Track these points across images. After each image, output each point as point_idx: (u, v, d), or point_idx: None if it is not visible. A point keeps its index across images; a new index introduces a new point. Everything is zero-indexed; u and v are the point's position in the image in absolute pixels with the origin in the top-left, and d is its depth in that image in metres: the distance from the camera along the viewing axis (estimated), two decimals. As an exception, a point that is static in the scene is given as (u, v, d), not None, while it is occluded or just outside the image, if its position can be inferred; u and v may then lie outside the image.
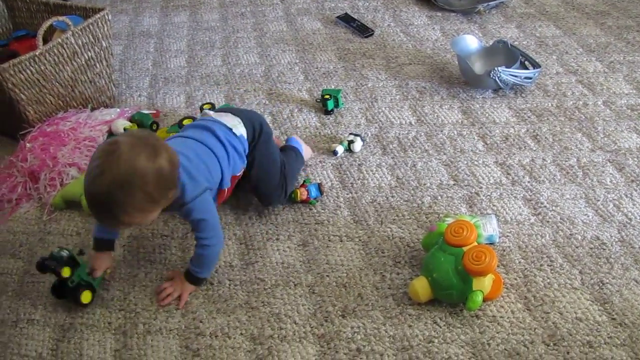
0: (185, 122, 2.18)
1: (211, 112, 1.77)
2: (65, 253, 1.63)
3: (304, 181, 1.91)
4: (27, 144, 2.20)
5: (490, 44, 2.49)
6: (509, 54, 2.35)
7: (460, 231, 1.54)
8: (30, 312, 1.71)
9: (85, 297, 1.67)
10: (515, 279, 1.60)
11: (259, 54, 2.81)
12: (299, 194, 1.87)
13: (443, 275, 1.50)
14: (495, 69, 2.21)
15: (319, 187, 1.90)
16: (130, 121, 2.33)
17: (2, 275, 1.82)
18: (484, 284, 1.49)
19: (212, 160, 1.62)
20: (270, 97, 2.48)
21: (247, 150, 1.74)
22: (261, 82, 2.60)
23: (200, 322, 1.60)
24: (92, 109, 2.43)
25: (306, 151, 2.03)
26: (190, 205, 1.54)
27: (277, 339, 1.53)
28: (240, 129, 1.71)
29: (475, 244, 1.55)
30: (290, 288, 1.65)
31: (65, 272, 1.61)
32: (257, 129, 1.76)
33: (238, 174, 1.74)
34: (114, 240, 1.73)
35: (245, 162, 1.75)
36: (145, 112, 2.39)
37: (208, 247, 1.60)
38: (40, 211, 2.05)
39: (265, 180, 1.79)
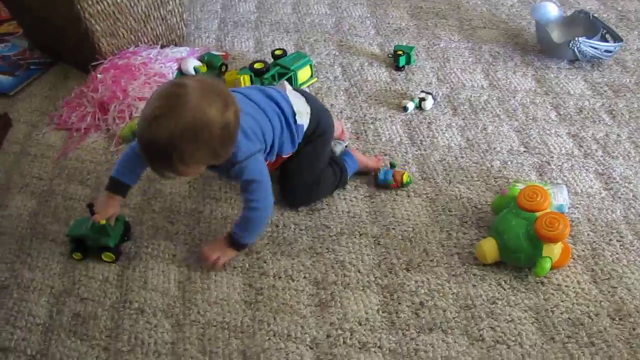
0: (257, 65, 2.17)
1: (288, 87, 1.68)
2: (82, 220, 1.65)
3: (391, 164, 1.83)
4: (99, 75, 2.23)
5: (570, 13, 2.41)
6: (589, 25, 2.28)
7: (534, 196, 1.52)
8: (97, 237, 1.73)
9: (107, 257, 1.68)
10: (583, 251, 1.58)
11: (329, 5, 2.78)
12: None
13: (513, 238, 1.49)
14: (576, 39, 2.15)
15: (393, 173, 1.78)
16: (200, 61, 2.33)
17: (71, 200, 1.86)
18: (553, 251, 1.48)
19: (266, 124, 1.54)
20: (341, 48, 2.46)
21: (299, 140, 1.65)
22: (331, 33, 2.58)
23: (264, 262, 1.62)
24: (162, 46, 2.44)
25: (367, 165, 1.85)
26: (243, 164, 1.46)
27: (341, 286, 1.54)
28: (304, 120, 1.63)
29: (549, 210, 1.52)
30: (355, 237, 1.66)
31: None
32: (321, 128, 1.68)
33: (284, 156, 1.65)
34: (129, 186, 1.63)
35: (295, 149, 1.66)
36: (215, 53, 2.39)
37: (256, 210, 1.52)
38: (107, 142, 2.08)
39: (297, 180, 1.71)
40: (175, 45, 2.53)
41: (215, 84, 1.38)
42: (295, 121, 1.60)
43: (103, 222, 1.60)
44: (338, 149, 1.83)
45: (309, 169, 1.69)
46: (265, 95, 1.60)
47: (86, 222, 1.64)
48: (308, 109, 1.65)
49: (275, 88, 1.66)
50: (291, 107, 1.60)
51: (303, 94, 1.70)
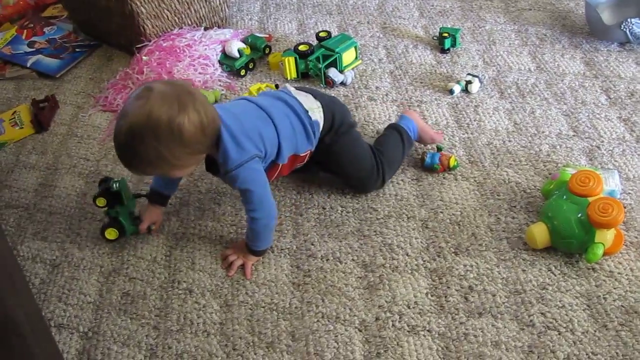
0: (302, 47, 2.17)
1: (291, 88, 1.64)
2: (116, 186, 1.62)
3: (438, 147, 1.83)
4: (144, 57, 2.24)
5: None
6: (642, 6, 2.22)
7: (587, 181, 1.49)
8: (144, 217, 1.76)
9: (110, 233, 1.68)
10: (636, 237, 1.55)
11: (372, -13, 2.75)
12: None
13: (565, 223, 1.46)
14: (628, 20, 2.10)
15: (440, 157, 1.77)
16: (244, 43, 2.33)
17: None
18: (606, 237, 1.45)
19: (268, 129, 1.49)
20: (385, 30, 2.44)
21: (317, 136, 1.61)
22: (375, 15, 2.56)
23: (312, 244, 1.62)
24: (206, 28, 2.45)
25: (427, 132, 1.83)
26: (234, 173, 1.43)
27: (389, 269, 1.54)
28: (317, 115, 1.59)
29: (601, 195, 1.49)
30: (403, 220, 1.65)
31: (100, 202, 1.63)
32: (338, 120, 1.63)
33: (301, 154, 1.60)
34: (168, 196, 1.71)
35: (314, 146, 1.61)
36: (259, 35, 2.38)
37: (255, 220, 1.49)
38: (153, 123, 2.09)
39: (354, 169, 1.67)
40: (218, 27, 2.54)
41: (182, 90, 1.34)
42: (309, 117, 1.57)
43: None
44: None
45: (358, 160, 1.67)
46: (272, 98, 1.58)
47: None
48: (318, 104, 1.60)
49: (283, 90, 1.64)
50: (301, 105, 1.57)
51: (308, 91, 1.66)
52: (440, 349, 1.36)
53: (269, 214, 1.51)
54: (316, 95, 1.63)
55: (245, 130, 1.44)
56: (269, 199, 1.50)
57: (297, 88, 1.65)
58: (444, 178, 1.75)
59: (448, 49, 2.25)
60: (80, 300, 1.58)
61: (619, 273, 1.47)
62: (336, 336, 1.41)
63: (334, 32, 2.42)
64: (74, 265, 1.66)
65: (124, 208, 1.66)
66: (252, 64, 2.30)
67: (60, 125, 2.19)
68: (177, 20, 2.39)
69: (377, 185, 1.71)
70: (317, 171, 1.75)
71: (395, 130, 1.76)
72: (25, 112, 2.25)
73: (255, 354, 1.40)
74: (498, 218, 1.62)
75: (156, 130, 1.28)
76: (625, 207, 1.58)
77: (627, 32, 2.11)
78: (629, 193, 1.66)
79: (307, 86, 2.00)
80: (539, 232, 1.50)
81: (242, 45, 2.29)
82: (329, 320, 1.44)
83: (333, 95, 1.76)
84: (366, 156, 1.67)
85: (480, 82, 2.07)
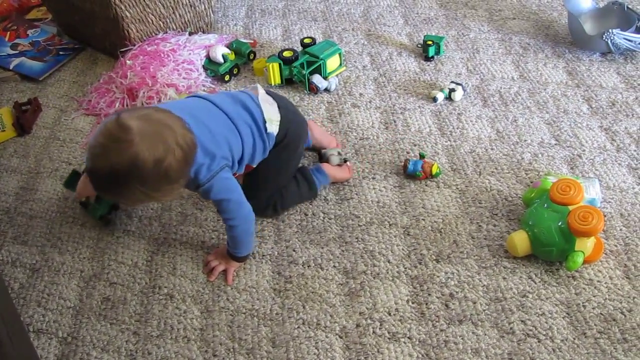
0: (286, 53, 2.17)
1: (261, 91, 1.60)
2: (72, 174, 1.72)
3: (420, 155, 1.81)
4: (128, 61, 2.23)
5: (604, 4, 2.37)
6: (623, 16, 2.24)
7: (567, 189, 1.50)
8: (126, 222, 1.76)
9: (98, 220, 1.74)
10: (616, 246, 1.56)
11: (357, -6, 2.77)
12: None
13: (545, 231, 1.47)
14: (610, 31, 2.12)
15: (422, 164, 1.76)
16: (229, 48, 2.33)
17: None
18: (586, 246, 1.46)
19: (235, 140, 1.48)
20: (369, 38, 2.45)
21: (270, 148, 1.60)
22: (359, 22, 2.57)
23: (293, 250, 1.62)
24: (190, 33, 2.44)
25: (338, 173, 1.80)
26: (207, 186, 1.41)
27: (370, 276, 1.54)
28: (273, 127, 1.56)
29: (582, 204, 1.50)
30: (385, 227, 1.65)
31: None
32: (288, 138, 1.61)
33: (253, 165, 1.60)
34: None
35: (266, 157, 1.61)
36: (243, 40, 2.39)
37: (234, 227, 1.48)
38: (136, 127, 2.08)
39: (257, 187, 1.65)
40: (203, 32, 2.53)
41: (161, 125, 1.26)
42: (265, 129, 1.55)
43: (83, 199, 1.71)
44: (334, 160, 1.79)
45: (274, 178, 1.66)
46: (240, 105, 1.54)
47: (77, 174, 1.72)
48: (278, 117, 1.58)
49: (248, 93, 1.59)
50: (262, 114, 1.54)
51: (276, 99, 1.62)
52: (420, 356, 1.36)
53: (247, 219, 1.50)
54: (280, 106, 1.60)
55: (217, 142, 1.43)
56: (245, 204, 1.48)
57: (267, 93, 1.62)
58: (426, 185, 1.76)
59: (432, 57, 2.27)
60: (60, 305, 1.57)
61: (598, 281, 1.48)
62: (317, 343, 1.41)
63: (319, 39, 2.43)
64: (54, 270, 1.65)
65: (103, 205, 1.72)
66: (236, 69, 2.30)
67: (42, 128, 2.17)
68: (161, 25, 2.39)
69: (264, 213, 1.70)
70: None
71: (306, 181, 1.73)
72: (7, 115, 2.23)
73: (235, 360, 1.40)
74: (479, 226, 1.63)
75: (142, 175, 1.22)
76: (605, 216, 1.60)
77: (609, 42, 2.13)
78: (609, 202, 1.67)
79: (282, 94, 2.00)
80: (520, 240, 1.50)
81: (226, 51, 2.29)
82: (309, 327, 1.44)
83: (299, 113, 1.73)
84: (276, 184, 1.66)
85: (464, 90, 2.08)
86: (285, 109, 1.62)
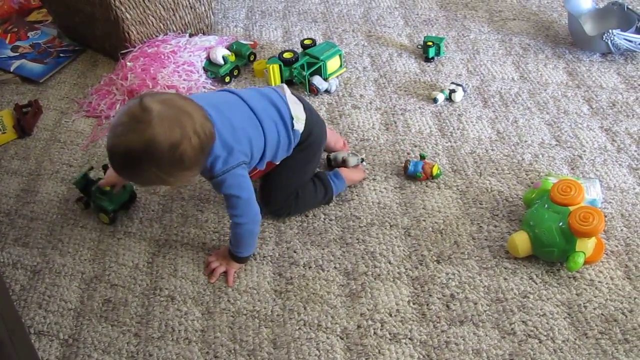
0: (286, 55, 2.17)
1: (287, 90, 1.62)
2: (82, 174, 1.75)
3: (421, 156, 1.80)
4: (128, 63, 2.23)
5: (604, 5, 2.37)
6: (623, 17, 2.24)
7: (568, 190, 1.50)
8: (127, 224, 1.76)
9: (102, 218, 1.74)
10: (616, 246, 1.56)
11: (357, -5, 2.77)
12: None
13: (546, 231, 1.47)
14: (610, 31, 2.12)
15: (423, 165, 1.76)
16: (229, 50, 2.33)
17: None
18: (587, 246, 1.46)
19: (257, 136, 1.49)
20: (369, 39, 2.45)
21: (294, 146, 1.61)
22: (360, 23, 2.57)
23: (294, 252, 1.62)
24: (191, 35, 2.44)
25: (354, 175, 1.80)
26: (220, 179, 1.41)
27: (371, 277, 1.54)
28: (300, 126, 1.57)
29: (582, 204, 1.50)
30: (385, 228, 1.65)
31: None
32: (311, 139, 1.63)
33: (276, 162, 1.61)
34: None
35: (289, 154, 1.62)
36: (244, 42, 2.39)
37: (239, 225, 1.48)
38: (137, 129, 2.08)
39: (276, 187, 1.66)
40: (204, 34, 2.53)
41: (181, 111, 1.28)
42: (292, 125, 1.55)
43: (107, 188, 1.69)
44: (352, 161, 1.80)
45: (292, 179, 1.65)
46: (267, 100, 1.55)
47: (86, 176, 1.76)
48: (304, 116, 1.59)
49: (276, 90, 1.61)
50: (289, 111, 1.56)
51: (301, 100, 1.63)
52: (421, 357, 1.36)
53: (254, 220, 1.50)
54: (305, 107, 1.62)
55: (238, 137, 1.43)
56: (255, 204, 1.48)
57: (292, 93, 1.64)
58: (426, 186, 1.76)
59: (432, 58, 2.27)
60: (61, 307, 1.57)
61: (599, 282, 1.48)
62: (318, 344, 1.41)
63: (319, 40, 2.43)
64: (55, 272, 1.65)
65: (96, 189, 1.72)
66: (236, 71, 2.30)
67: (43, 130, 2.18)
68: (162, 27, 2.39)
69: (278, 214, 1.71)
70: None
71: (323, 185, 1.72)
72: (8, 117, 2.23)
73: (236, 361, 1.40)
74: (480, 226, 1.63)
75: (157, 158, 1.25)
76: (606, 216, 1.60)
77: (609, 42, 2.13)
78: (610, 202, 1.67)
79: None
80: (521, 241, 1.50)
81: (227, 52, 2.29)
82: (310, 328, 1.44)
83: (320, 116, 1.74)
84: (295, 184, 1.65)
85: (464, 91, 2.08)
86: (310, 110, 1.63)
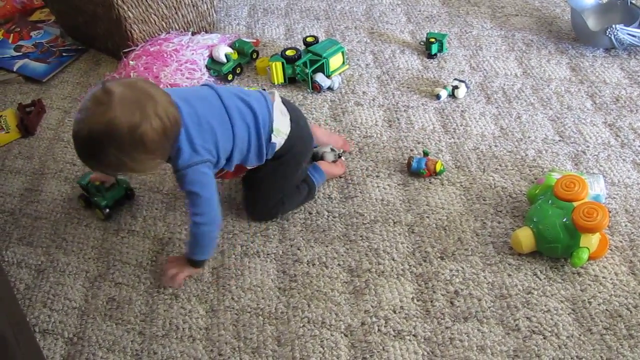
0: (289, 52, 2.17)
1: (277, 99, 1.59)
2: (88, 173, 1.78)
3: (424, 152, 1.81)
4: (131, 62, 2.24)
5: (606, 0, 2.36)
6: (627, 11, 2.24)
7: (572, 186, 1.50)
8: (131, 223, 1.76)
9: (98, 214, 1.77)
10: (621, 242, 1.56)
11: (360, -8, 2.77)
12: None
13: (550, 227, 1.47)
14: (613, 26, 2.11)
15: (426, 161, 1.76)
16: (231, 48, 2.33)
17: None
18: (591, 242, 1.46)
19: (226, 135, 1.46)
20: (372, 36, 2.45)
21: (268, 157, 1.58)
22: (362, 20, 2.56)
23: (298, 249, 1.62)
24: (193, 33, 2.44)
25: (334, 170, 1.80)
26: (182, 173, 1.39)
27: (375, 274, 1.54)
28: (279, 139, 1.55)
29: (586, 200, 1.50)
30: (389, 225, 1.65)
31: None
32: (293, 153, 1.60)
33: (247, 167, 1.60)
34: None
35: (261, 163, 1.59)
36: (246, 40, 2.39)
37: (198, 225, 1.43)
38: (140, 127, 2.08)
39: (260, 197, 1.67)
40: (206, 32, 2.53)
41: (143, 94, 1.29)
42: (269, 139, 1.53)
43: (97, 183, 1.71)
44: (330, 157, 1.80)
45: (276, 189, 1.64)
46: (244, 103, 1.51)
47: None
48: (287, 130, 1.57)
49: (264, 95, 1.57)
50: (271, 122, 1.53)
51: (290, 111, 1.60)
52: (426, 353, 1.36)
53: (213, 221, 1.46)
54: (292, 120, 1.59)
55: (203, 133, 1.41)
56: (215, 204, 1.44)
57: (283, 102, 1.61)
58: (430, 183, 1.76)
59: (435, 54, 2.26)
60: (66, 305, 1.57)
61: (603, 277, 1.48)
62: (322, 341, 1.41)
63: (322, 37, 2.43)
64: (59, 271, 1.65)
65: (110, 195, 1.75)
66: (239, 68, 2.30)
67: (46, 129, 2.18)
68: (164, 25, 2.39)
69: (261, 219, 1.71)
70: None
71: (306, 184, 1.72)
72: (11, 117, 2.24)
73: (240, 359, 1.40)
74: (484, 223, 1.63)
75: (117, 139, 1.25)
76: (610, 212, 1.60)
77: (612, 38, 2.13)
78: (614, 198, 1.67)
79: (294, 102, 2.04)
80: (525, 237, 1.50)
81: (229, 50, 2.29)
82: (314, 325, 1.44)
83: (309, 127, 1.72)
84: (278, 194, 1.65)
85: (467, 87, 2.08)
86: (297, 123, 1.60)
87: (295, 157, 1.63)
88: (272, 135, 1.53)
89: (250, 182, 1.68)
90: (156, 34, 2.37)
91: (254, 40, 2.43)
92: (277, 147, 1.56)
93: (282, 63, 2.16)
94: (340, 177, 1.81)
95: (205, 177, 1.42)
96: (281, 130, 1.55)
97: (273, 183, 1.64)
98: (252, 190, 1.68)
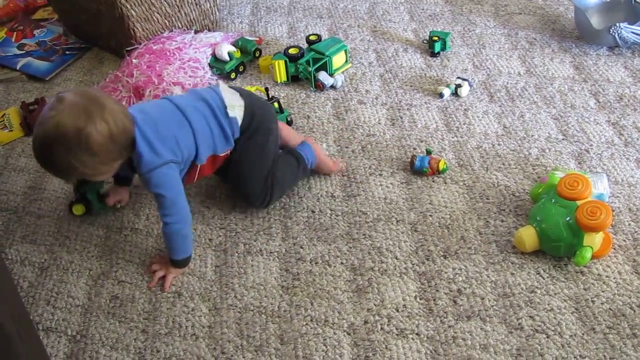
0: (292, 50, 2.17)
1: (223, 84, 1.63)
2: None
3: (427, 151, 1.82)
4: (134, 60, 2.23)
5: (610, -2, 2.36)
6: (630, 10, 2.23)
7: (575, 185, 1.50)
8: (134, 221, 1.77)
9: (77, 209, 1.76)
10: (624, 241, 1.55)
11: (363, -9, 2.76)
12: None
13: (553, 226, 1.47)
14: (617, 24, 2.11)
15: (429, 160, 1.76)
16: (234, 46, 2.33)
17: (107, 184, 1.86)
18: (594, 241, 1.45)
19: (185, 133, 1.49)
20: (375, 34, 2.45)
21: (235, 135, 1.59)
22: (365, 18, 2.56)
23: (301, 247, 1.62)
24: (196, 31, 2.44)
25: (325, 163, 1.81)
26: (146, 177, 1.44)
27: (378, 272, 1.54)
28: (236, 112, 1.57)
29: (590, 199, 1.49)
30: (392, 224, 1.65)
31: (77, 209, 1.77)
32: (256, 121, 1.61)
33: (221, 154, 1.59)
34: (131, 177, 1.78)
35: (232, 145, 1.60)
36: (249, 38, 2.38)
37: (167, 225, 1.48)
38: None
39: (246, 178, 1.65)
40: (209, 30, 2.53)
41: (91, 100, 1.36)
42: (226, 114, 1.56)
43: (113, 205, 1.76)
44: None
45: (257, 163, 1.64)
46: (195, 97, 1.57)
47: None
48: (241, 102, 1.59)
49: (211, 86, 1.66)
50: (222, 101, 1.57)
51: (237, 90, 1.64)
52: (428, 352, 1.36)
53: (182, 219, 1.50)
54: (242, 95, 1.62)
55: (161, 135, 1.45)
56: (182, 204, 1.49)
57: (230, 86, 1.65)
58: (433, 181, 1.75)
59: (438, 53, 2.26)
60: (69, 303, 1.57)
61: (607, 276, 1.48)
62: (325, 339, 1.41)
63: (324, 36, 2.43)
64: (62, 269, 1.66)
65: (92, 186, 1.72)
66: (242, 67, 2.30)
67: (49, 128, 2.17)
68: (167, 23, 2.39)
69: (262, 203, 1.69)
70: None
71: (292, 155, 1.73)
72: (14, 115, 2.24)
73: (243, 357, 1.40)
74: (487, 221, 1.63)
75: (64, 141, 1.31)
76: (613, 211, 1.59)
77: (616, 36, 2.12)
78: (617, 196, 1.66)
79: (296, 100, 2.02)
80: (528, 235, 1.50)
81: (232, 49, 2.29)
82: (317, 324, 1.44)
83: (263, 99, 1.81)
84: (260, 175, 1.65)
85: (470, 85, 2.07)
86: (248, 96, 1.64)
87: (261, 125, 1.63)
88: (228, 111, 1.56)
89: (231, 169, 1.66)
90: (159, 32, 2.38)
91: (257, 39, 2.42)
92: (239, 120, 1.58)
93: (285, 61, 2.16)
94: (343, 176, 1.80)
95: (169, 177, 1.46)
96: (234, 104, 1.58)
97: (252, 159, 1.64)
98: (234, 177, 1.68)
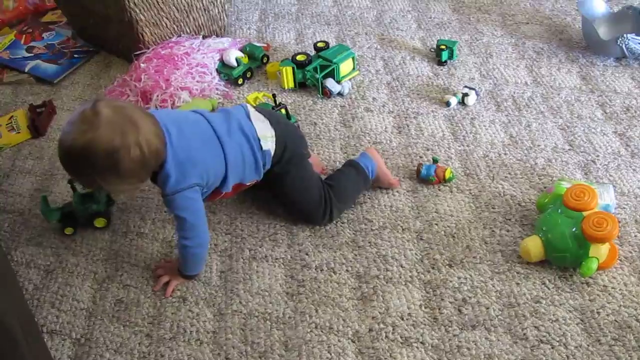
0: (299, 57, 2.18)
1: (251, 109, 1.58)
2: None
3: (434, 159, 1.80)
4: (142, 64, 2.24)
5: (618, 9, 2.36)
6: (638, 21, 2.23)
7: (582, 195, 1.50)
8: (139, 225, 1.77)
9: (67, 230, 1.75)
10: (630, 252, 1.55)
11: (370, -1, 2.77)
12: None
13: (559, 237, 1.47)
14: (624, 35, 2.11)
15: (436, 169, 1.76)
16: (242, 52, 2.33)
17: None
18: (600, 252, 1.45)
19: (217, 162, 1.47)
20: (382, 42, 2.45)
21: (266, 167, 1.57)
22: (372, 26, 2.57)
23: (306, 254, 1.62)
24: (204, 37, 2.45)
25: (386, 175, 1.78)
26: (169, 198, 1.41)
27: (383, 280, 1.54)
28: (269, 144, 1.54)
29: (596, 210, 1.49)
30: (397, 232, 1.65)
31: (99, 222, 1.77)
32: (289, 152, 1.59)
33: (247, 184, 1.59)
34: None
35: (261, 176, 1.58)
36: (257, 44, 2.39)
37: (185, 247, 1.48)
38: (150, 130, 2.08)
39: (301, 200, 1.64)
40: (217, 35, 2.54)
41: (128, 120, 1.30)
42: (260, 147, 1.52)
43: (90, 190, 1.70)
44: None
45: (304, 193, 1.64)
46: (233, 126, 1.51)
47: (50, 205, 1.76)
48: (272, 132, 1.55)
49: (244, 106, 1.58)
50: (255, 131, 1.52)
51: (267, 115, 1.59)
52: (433, 361, 1.36)
53: (200, 244, 1.50)
54: (272, 122, 1.57)
55: (192, 158, 1.42)
56: (202, 228, 1.48)
57: (256, 109, 1.60)
58: (439, 190, 1.75)
59: (445, 61, 2.27)
60: (74, 306, 1.58)
61: (612, 288, 1.47)
62: (329, 347, 1.41)
63: (332, 43, 2.43)
64: (67, 272, 1.66)
65: (101, 198, 1.73)
66: (249, 73, 2.31)
67: (57, 130, 2.19)
68: (175, 29, 2.40)
69: (324, 219, 1.67)
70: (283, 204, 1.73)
71: (352, 167, 1.72)
72: (22, 117, 2.25)
73: (248, 363, 1.40)
74: (493, 231, 1.63)
75: (93, 160, 1.28)
76: (619, 222, 1.59)
77: (624, 47, 2.12)
78: (624, 208, 1.66)
79: (303, 107, 2.04)
80: (534, 245, 1.50)
81: (240, 54, 2.30)
82: (322, 331, 1.44)
83: (289, 122, 1.80)
84: (314, 189, 1.63)
85: (477, 94, 2.08)
86: (277, 124, 1.58)
87: (294, 154, 1.61)
88: (262, 143, 1.52)
89: (280, 200, 1.70)
90: (167, 37, 2.39)
91: (265, 45, 2.43)
92: (272, 152, 1.55)
93: (293, 68, 2.17)
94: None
95: (193, 202, 1.44)
96: (267, 135, 1.54)
97: (297, 186, 1.63)
98: (289, 205, 1.69)
